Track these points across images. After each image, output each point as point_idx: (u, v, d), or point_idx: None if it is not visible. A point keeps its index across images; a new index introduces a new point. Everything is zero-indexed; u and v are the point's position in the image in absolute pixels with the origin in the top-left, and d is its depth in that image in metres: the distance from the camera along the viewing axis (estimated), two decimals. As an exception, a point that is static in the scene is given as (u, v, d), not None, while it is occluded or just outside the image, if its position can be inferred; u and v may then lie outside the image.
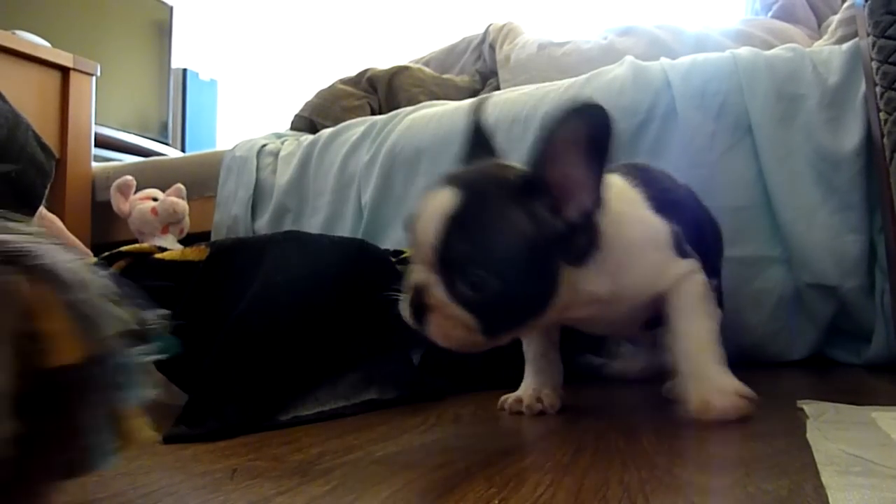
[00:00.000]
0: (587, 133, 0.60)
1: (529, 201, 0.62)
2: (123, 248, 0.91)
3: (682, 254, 0.72)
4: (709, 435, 0.65)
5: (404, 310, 0.66)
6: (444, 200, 0.62)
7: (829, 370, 1.13)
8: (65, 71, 1.82)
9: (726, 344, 0.72)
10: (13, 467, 0.30)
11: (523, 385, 0.81)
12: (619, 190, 0.71)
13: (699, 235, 0.79)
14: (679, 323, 0.71)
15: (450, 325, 0.63)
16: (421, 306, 0.64)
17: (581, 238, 0.64)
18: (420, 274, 0.64)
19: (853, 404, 0.73)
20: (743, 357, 0.98)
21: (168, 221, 1.58)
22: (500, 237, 0.62)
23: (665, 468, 0.50)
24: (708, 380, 0.68)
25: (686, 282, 0.71)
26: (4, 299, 0.31)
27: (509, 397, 0.80)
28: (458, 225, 0.61)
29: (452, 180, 0.64)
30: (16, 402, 0.29)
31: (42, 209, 1.05)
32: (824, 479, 0.45)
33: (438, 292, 0.62)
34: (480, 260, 0.61)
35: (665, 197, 0.76)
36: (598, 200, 0.62)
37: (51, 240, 0.35)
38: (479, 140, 0.73)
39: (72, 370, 0.32)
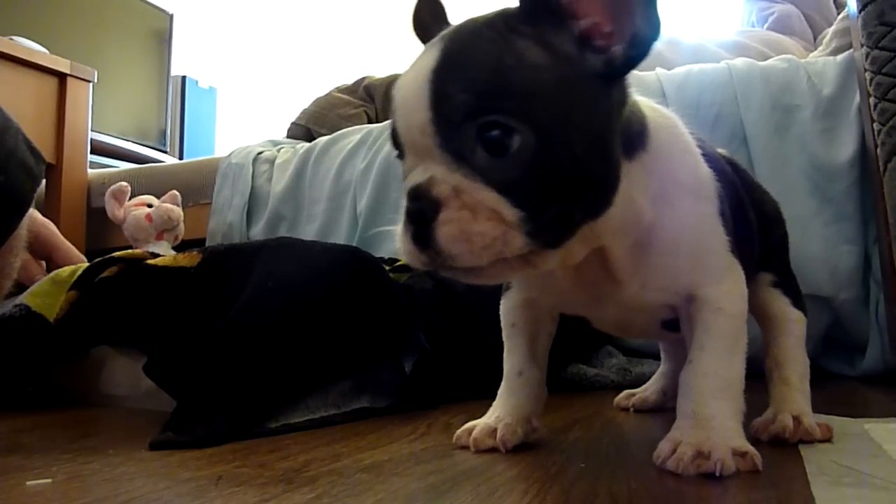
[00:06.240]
0: None
1: (540, 29, 0.45)
2: (115, 254, 0.90)
3: (730, 247, 0.57)
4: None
5: (402, 242, 0.47)
6: (426, 60, 0.45)
7: (823, 381, 1.12)
8: (61, 77, 1.82)
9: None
10: None
11: (490, 409, 0.64)
12: (671, 122, 0.61)
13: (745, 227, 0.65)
14: (697, 353, 0.55)
15: (470, 218, 0.43)
16: (424, 217, 0.44)
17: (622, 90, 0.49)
18: (417, 174, 0.46)
19: (847, 415, 0.72)
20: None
21: (163, 228, 1.57)
22: (512, 68, 0.44)
23: (655, 479, 0.50)
24: (710, 429, 0.52)
25: (724, 299, 0.55)
26: None
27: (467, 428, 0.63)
28: (451, 71, 0.44)
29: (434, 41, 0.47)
30: None
31: (37, 213, 1.04)
32: (814, 490, 0.44)
33: (446, 175, 0.44)
34: (492, 102, 0.43)
35: (718, 167, 0.62)
36: (650, 25, 0.45)
37: None
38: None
39: None
